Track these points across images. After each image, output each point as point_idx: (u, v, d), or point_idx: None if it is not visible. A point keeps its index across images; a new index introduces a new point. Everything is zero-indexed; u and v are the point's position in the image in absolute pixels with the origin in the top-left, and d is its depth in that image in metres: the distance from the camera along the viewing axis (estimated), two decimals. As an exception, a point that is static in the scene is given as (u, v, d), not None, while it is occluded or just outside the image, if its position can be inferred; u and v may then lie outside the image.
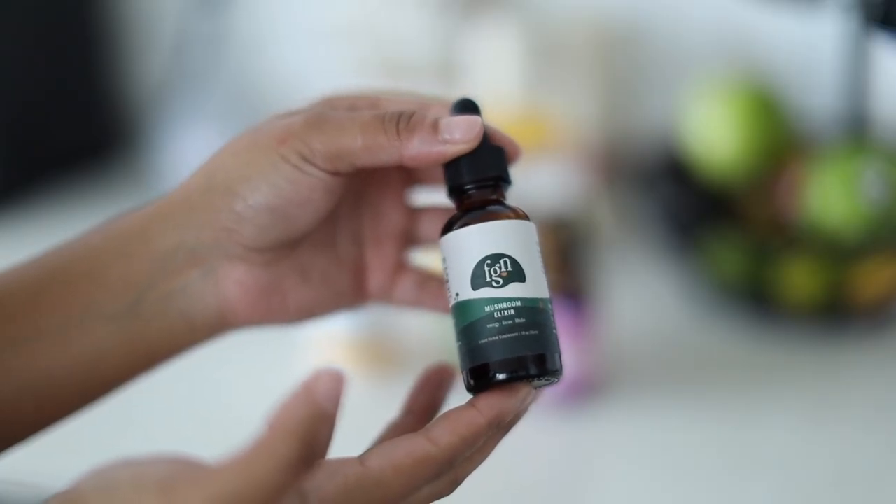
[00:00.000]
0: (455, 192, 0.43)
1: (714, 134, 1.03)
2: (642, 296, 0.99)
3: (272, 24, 1.29)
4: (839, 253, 0.91)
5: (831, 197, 0.93)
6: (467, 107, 0.43)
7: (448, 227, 0.41)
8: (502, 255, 0.40)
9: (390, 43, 1.14)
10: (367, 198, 0.47)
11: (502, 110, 1.03)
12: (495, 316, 0.39)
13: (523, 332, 0.39)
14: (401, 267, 0.48)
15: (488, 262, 0.40)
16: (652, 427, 0.81)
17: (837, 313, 0.91)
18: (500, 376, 0.39)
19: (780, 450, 0.79)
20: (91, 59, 1.28)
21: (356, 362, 0.85)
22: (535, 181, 0.92)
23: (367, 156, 0.41)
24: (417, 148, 0.41)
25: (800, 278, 0.91)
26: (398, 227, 0.48)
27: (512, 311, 0.39)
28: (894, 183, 0.92)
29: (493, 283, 0.39)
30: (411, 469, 0.36)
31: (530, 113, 1.05)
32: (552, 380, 0.40)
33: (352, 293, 0.48)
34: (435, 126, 0.41)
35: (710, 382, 0.86)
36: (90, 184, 1.24)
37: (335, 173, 0.41)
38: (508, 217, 0.41)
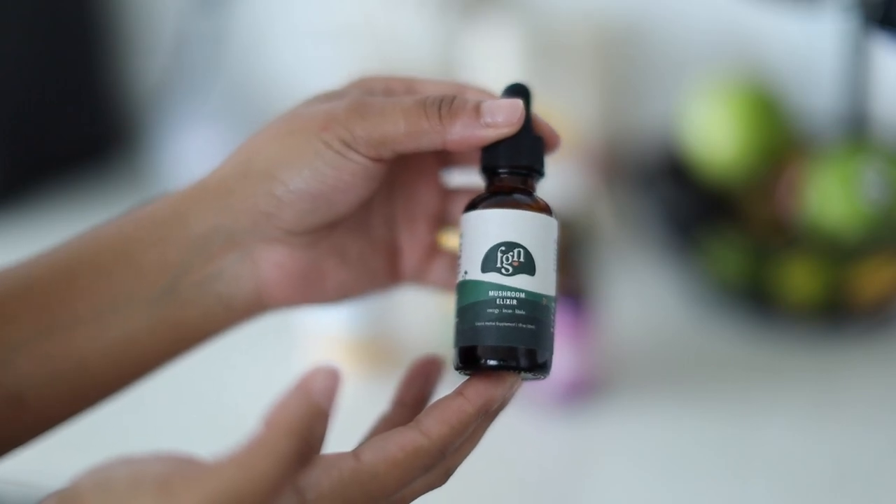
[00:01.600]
0: (487, 171, 0.43)
1: (714, 134, 1.03)
2: (642, 296, 0.99)
3: (272, 24, 1.29)
4: (839, 253, 0.91)
5: (831, 197, 0.93)
6: (518, 91, 0.43)
7: (472, 206, 0.42)
8: (517, 245, 0.40)
9: (390, 43, 1.14)
10: (401, 180, 0.47)
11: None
12: (497, 302, 0.39)
13: (521, 325, 0.39)
14: (434, 249, 0.48)
15: (503, 248, 0.40)
16: (652, 427, 0.81)
17: (837, 313, 0.91)
18: (490, 362, 0.39)
19: (779, 449, 0.79)
20: (91, 59, 1.28)
21: (355, 362, 0.85)
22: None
23: (409, 142, 0.41)
24: (460, 133, 0.41)
25: (800, 278, 0.91)
26: (432, 209, 0.48)
27: (514, 301, 0.39)
28: (894, 183, 0.92)
29: (503, 270, 0.39)
30: (404, 462, 0.37)
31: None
32: (538, 377, 0.41)
33: (386, 274, 0.48)
34: (477, 109, 0.41)
35: (709, 382, 0.87)
36: (90, 183, 1.24)
37: (377, 159, 0.41)
38: (532, 209, 0.41)
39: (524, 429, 0.81)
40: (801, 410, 0.83)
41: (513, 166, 0.42)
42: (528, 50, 1.09)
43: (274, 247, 0.44)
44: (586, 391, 0.83)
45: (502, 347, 0.39)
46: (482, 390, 0.39)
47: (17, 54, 1.18)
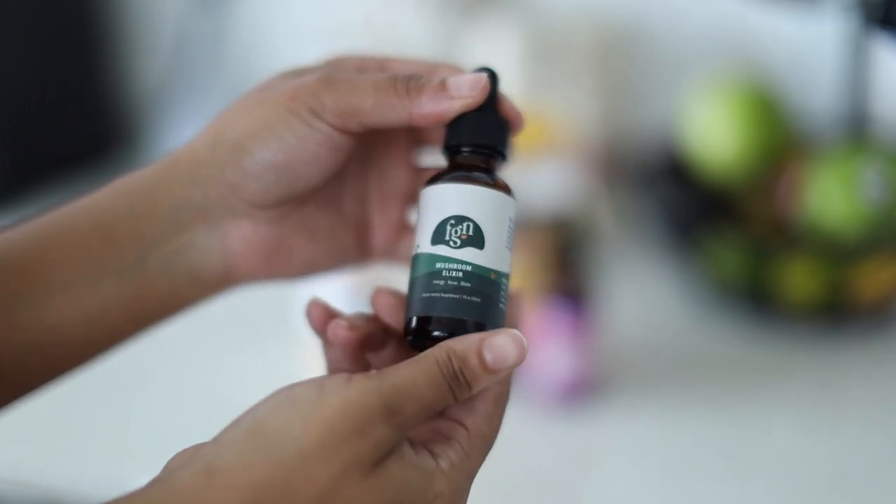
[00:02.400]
0: (449, 149, 0.43)
1: (714, 134, 1.03)
2: (642, 296, 0.99)
3: (272, 24, 1.29)
4: (839, 253, 0.91)
5: (831, 197, 0.93)
6: (486, 73, 0.44)
7: (430, 182, 0.42)
8: (466, 218, 0.40)
9: (390, 43, 1.14)
10: (374, 158, 0.48)
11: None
12: (443, 274, 0.40)
13: (465, 297, 0.39)
14: (405, 226, 0.49)
15: (452, 221, 0.40)
16: (652, 426, 0.81)
17: (837, 313, 0.91)
18: (437, 333, 0.39)
19: (779, 449, 0.79)
20: (91, 59, 1.28)
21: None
22: (536, 181, 0.92)
23: (377, 114, 0.41)
24: (426, 106, 0.41)
25: (800, 278, 0.91)
26: (403, 187, 0.48)
27: (460, 274, 0.40)
28: (894, 183, 0.92)
29: (451, 243, 0.40)
30: (496, 410, 0.39)
31: (530, 113, 1.05)
32: None
33: (355, 251, 0.48)
34: (443, 84, 0.42)
35: (709, 382, 0.87)
36: (90, 183, 1.24)
37: (344, 131, 0.42)
38: (487, 185, 0.41)
39: (524, 429, 0.81)
40: (802, 410, 0.83)
41: (474, 145, 0.42)
42: (528, 50, 1.09)
43: (241, 221, 0.44)
44: (586, 391, 0.83)
45: (448, 318, 0.39)
46: (516, 319, 0.42)
47: (17, 54, 1.18)
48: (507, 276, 0.41)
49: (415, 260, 0.41)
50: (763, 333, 0.92)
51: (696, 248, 0.96)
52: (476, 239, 0.40)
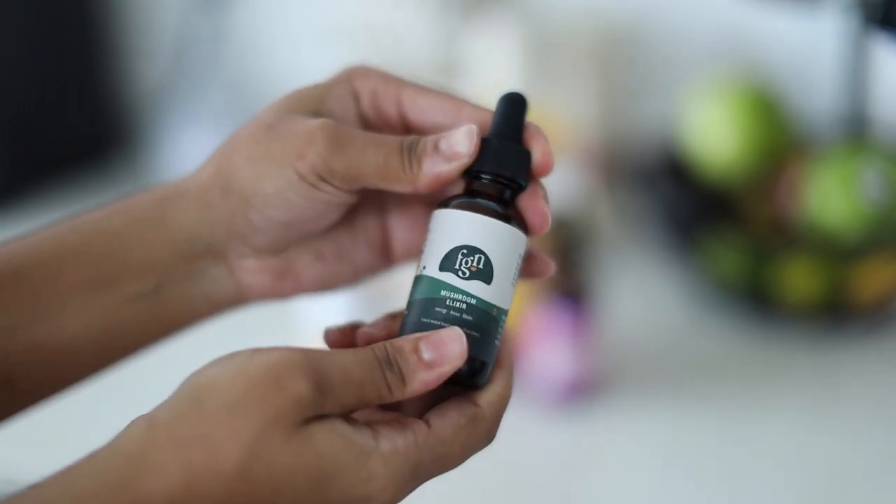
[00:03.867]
0: (469, 172, 0.42)
1: (714, 134, 1.03)
2: (642, 296, 0.99)
3: (272, 23, 1.29)
4: (839, 253, 0.91)
5: (831, 197, 0.93)
6: (511, 100, 0.43)
7: (444, 203, 0.41)
8: (479, 251, 0.40)
9: (390, 43, 1.14)
10: None
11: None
12: (447, 303, 0.39)
13: (465, 330, 0.39)
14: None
15: (464, 251, 0.40)
16: (652, 426, 0.81)
17: (837, 313, 0.91)
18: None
19: (779, 449, 0.79)
20: (91, 60, 1.28)
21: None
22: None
23: (383, 184, 0.41)
24: (427, 175, 0.41)
25: (799, 278, 0.91)
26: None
27: (464, 306, 0.39)
28: (894, 183, 0.92)
29: (460, 273, 0.40)
30: (468, 427, 0.38)
31: (530, 113, 1.05)
32: (469, 385, 0.40)
33: (370, 264, 0.48)
34: (436, 147, 0.41)
35: (709, 382, 0.87)
36: (90, 183, 1.24)
37: (351, 192, 0.42)
38: (503, 219, 0.40)
39: (524, 429, 0.81)
40: (801, 409, 0.83)
41: (492, 173, 0.41)
42: (528, 50, 1.09)
43: (246, 258, 0.45)
44: (586, 391, 0.83)
45: None
46: (509, 356, 0.41)
47: (17, 54, 1.18)
48: (506, 312, 0.41)
49: (417, 281, 0.41)
50: (763, 333, 0.92)
51: (696, 248, 0.96)
52: (485, 273, 0.40)
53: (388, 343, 0.38)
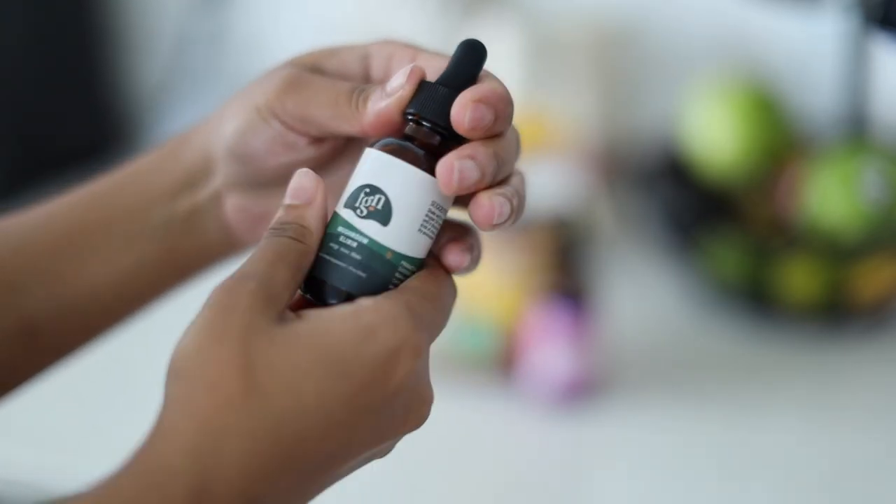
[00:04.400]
0: (404, 115, 0.41)
1: (714, 134, 1.03)
2: (642, 295, 0.99)
3: (272, 22, 1.29)
4: (839, 253, 0.91)
5: (831, 197, 0.93)
6: (468, 47, 0.42)
7: (372, 144, 0.41)
8: (380, 191, 0.39)
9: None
10: None
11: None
12: (340, 239, 0.39)
13: (351, 268, 0.38)
14: None
15: (367, 189, 0.39)
16: (651, 426, 0.81)
17: (837, 313, 0.91)
18: (309, 295, 0.39)
19: (779, 449, 0.79)
20: (92, 59, 1.28)
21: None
22: (535, 181, 0.92)
23: (334, 125, 0.42)
24: (371, 113, 0.41)
25: (799, 278, 0.91)
26: None
27: (354, 244, 0.39)
28: (894, 183, 0.92)
29: (358, 212, 0.39)
30: (435, 278, 0.39)
31: (530, 113, 1.05)
32: None
33: None
34: (383, 87, 0.41)
35: (709, 382, 0.87)
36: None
37: (302, 134, 0.43)
38: (416, 164, 0.39)
39: (524, 429, 0.81)
40: (801, 409, 0.83)
41: (414, 115, 0.40)
42: (528, 50, 1.09)
43: (232, 192, 0.46)
44: (586, 391, 0.83)
45: (324, 282, 0.39)
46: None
47: (17, 54, 1.18)
48: (409, 259, 0.39)
49: (332, 217, 0.40)
50: (763, 333, 0.92)
51: (696, 248, 0.96)
52: (383, 214, 0.39)
53: (274, 220, 0.39)
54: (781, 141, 1.03)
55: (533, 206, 0.88)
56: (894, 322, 0.94)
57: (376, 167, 0.40)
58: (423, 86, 0.41)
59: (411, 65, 0.41)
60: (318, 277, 0.39)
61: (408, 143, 0.40)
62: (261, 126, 0.43)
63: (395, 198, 0.39)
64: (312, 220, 0.39)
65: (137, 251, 0.46)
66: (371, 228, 0.39)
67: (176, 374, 0.35)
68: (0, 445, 0.80)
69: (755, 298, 0.93)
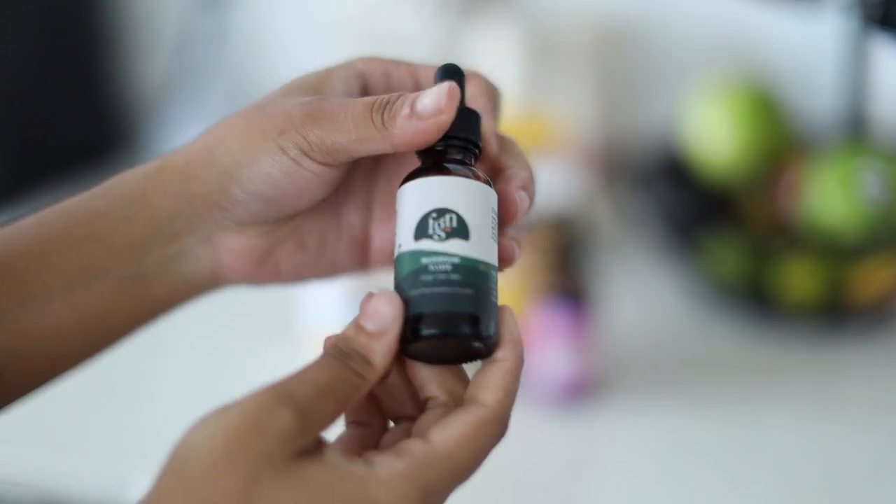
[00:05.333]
0: (422, 151, 0.42)
1: (713, 134, 1.03)
2: (642, 295, 0.99)
3: (273, 23, 1.29)
4: (838, 253, 0.91)
5: (830, 197, 0.93)
6: (449, 71, 0.42)
7: (405, 180, 0.40)
8: (448, 210, 0.38)
9: (390, 43, 1.14)
10: (382, 166, 0.48)
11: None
12: (430, 269, 0.37)
13: (457, 289, 0.37)
14: None
15: (434, 215, 0.38)
16: (651, 427, 0.82)
17: (836, 313, 0.91)
18: (429, 331, 0.37)
19: (779, 449, 0.79)
20: (92, 59, 1.29)
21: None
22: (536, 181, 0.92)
23: (361, 148, 0.41)
24: (402, 133, 0.40)
25: (799, 278, 0.91)
26: None
27: (448, 266, 0.37)
28: (893, 183, 0.92)
29: (435, 237, 0.38)
30: (475, 436, 0.36)
31: (530, 113, 1.05)
32: (481, 347, 0.38)
33: (349, 260, 0.48)
34: (412, 106, 0.40)
35: (709, 382, 0.87)
36: (91, 183, 1.24)
37: (333, 166, 0.42)
38: (465, 176, 0.39)
39: (524, 429, 0.81)
40: (801, 409, 0.83)
41: (447, 138, 0.40)
42: (527, 50, 1.09)
43: (228, 234, 0.45)
44: (586, 391, 0.83)
45: (441, 313, 0.37)
46: (512, 344, 0.39)
47: (18, 54, 1.18)
48: (495, 268, 0.39)
49: (398, 261, 0.39)
50: (762, 333, 0.92)
51: (696, 248, 0.96)
52: (460, 230, 0.38)
53: (335, 338, 0.37)
54: (781, 141, 1.03)
55: (534, 207, 0.88)
56: (894, 322, 0.94)
57: (433, 191, 0.39)
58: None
59: (447, 84, 0.40)
60: (431, 313, 0.37)
61: (446, 165, 0.40)
62: (293, 168, 0.41)
63: (466, 212, 0.39)
64: (380, 355, 0.37)
65: (101, 297, 0.44)
66: (457, 247, 0.38)
67: (178, 466, 0.34)
68: (0, 445, 0.80)
69: (755, 298, 0.93)
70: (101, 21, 1.29)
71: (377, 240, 0.48)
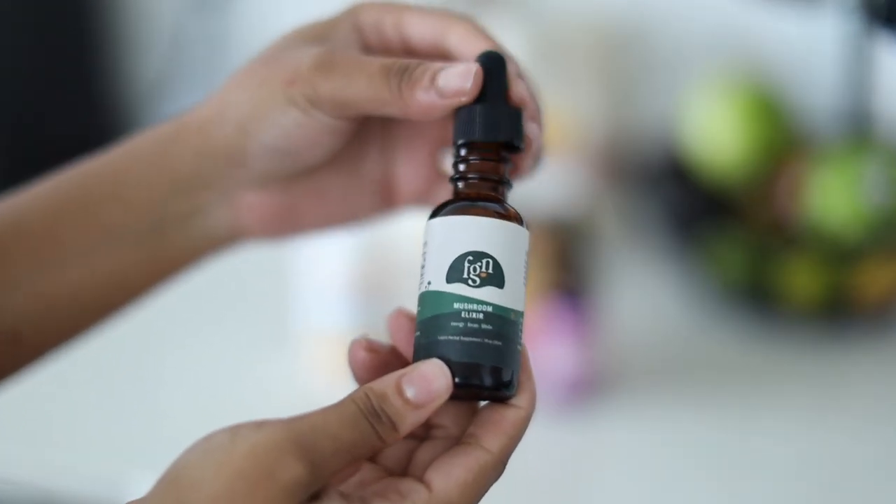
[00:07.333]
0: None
1: (716, 134, 1.03)
2: (643, 296, 0.99)
3: (269, 22, 1.28)
4: (841, 253, 0.90)
5: (833, 197, 0.93)
6: (489, 59, 0.40)
7: (436, 212, 0.39)
8: (486, 255, 0.37)
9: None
10: None
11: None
12: (462, 315, 0.37)
13: (486, 340, 0.37)
14: (437, 173, 0.47)
15: (470, 258, 0.37)
16: (652, 427, 0.81)
17: (839, 313, 0.91)
18: (454, 379, 0.36)
19: (781, 449, 0.79)
20: (89, 58, 1.28)
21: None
22: (538, 181, 0.92)
23: (372, 108, 0.40)
24: (418, 104, 0.39)
25: (801, 278, 0.91)
26: (434, 135, 0.46)
27: (481, 315, 0.37)
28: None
29: (470, 282, 0.37)
30: (475, 482, 0.36)
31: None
32: (499, 396, 0.38)
33: (371, 207, 0.47)
34: (433, 80, 0.39)
35: (711, 382, 0.86)
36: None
37: (343, 118, 0.41)
38: (502, 217, 0.38)
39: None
40: (803, 410, 0.83)
41: (484, 139, 0.39)
42: (530, 50, 1.08)
43: (247, 190, 0.45)
44: (587, 391, 0.83)
45: (466, 364, 0.36)
46: (529, 393, 0.38)
47: (14, 53, 1.18)
48: (523, 315, 0.38)
49: (425, 298, 0.38)
50: (765, 333, 0.92)
51: (698, 248, 0.96)
52: (496, 277, 0.37)
53: (369, 390, 0.35)
54: (783, 141, 1.03)
55: (535, 206, 0.88)
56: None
57: (469, 232, 0.37)
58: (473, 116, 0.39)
59: (474, 67, 0.39)
60: (458, 362, 0.36)
61: (485, 203, 0.38)
62: (303, 119, 0.40)
63: (502, 258, 0.37)
64: (410, 425, 0.35)
65: (118, 257, 0.44)
66: (491, 295, 0.37)
67: (178, 492, 0.32)
68: (0, 445, 0.80)
69: (757, 298, 0.92)
70: (97, 19, 1.29)
71: (403, 183, 0.47)
